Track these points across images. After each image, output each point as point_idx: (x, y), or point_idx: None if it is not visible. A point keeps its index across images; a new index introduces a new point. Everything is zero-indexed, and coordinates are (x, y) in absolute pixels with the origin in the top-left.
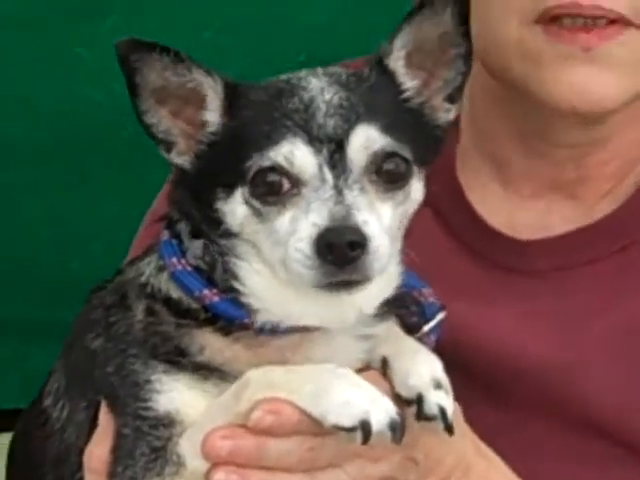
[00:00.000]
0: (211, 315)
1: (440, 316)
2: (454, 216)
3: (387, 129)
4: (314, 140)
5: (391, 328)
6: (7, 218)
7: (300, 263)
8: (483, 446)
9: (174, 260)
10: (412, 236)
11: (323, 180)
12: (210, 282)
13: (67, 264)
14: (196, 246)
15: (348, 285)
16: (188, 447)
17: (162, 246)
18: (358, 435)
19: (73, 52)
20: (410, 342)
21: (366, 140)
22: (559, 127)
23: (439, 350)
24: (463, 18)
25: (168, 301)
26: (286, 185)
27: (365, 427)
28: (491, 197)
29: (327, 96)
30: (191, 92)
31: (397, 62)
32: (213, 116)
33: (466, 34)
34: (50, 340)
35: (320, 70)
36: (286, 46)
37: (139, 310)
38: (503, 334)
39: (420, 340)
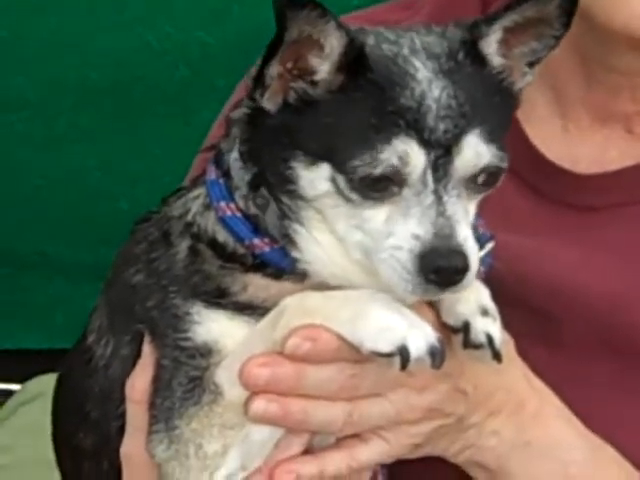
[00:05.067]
0: (259, 262)
1: (489, 246)
2: (511, 150)
3: (491, 136)
4: (424, 142)
5: None
6: (57, 160)
7: (396, 272)
8: (536, 381)
9: (222, 204)
10: None
11: (425, 184)
12: (257, 228)
13: (116, 205)
14: (246, 183)
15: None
16: (226, 376)
17: (209, 186)
18: (396, 361)
19: None
20: None
21: (475, 154)
22: (615, 51)
23: (494, 282)
24: (569, 12)
25: (214, 243)
26: (390, 184)
27: (403, 353)
28: (549, 130)
29: (436, 92)
30: (313, 40)
31: (491, 45)
32: (325, 66)
33: (567, 24)
34: (97, 281)
35: (419, 45)
36: None
37: (182, 248)
38: (560, 268)
39: None
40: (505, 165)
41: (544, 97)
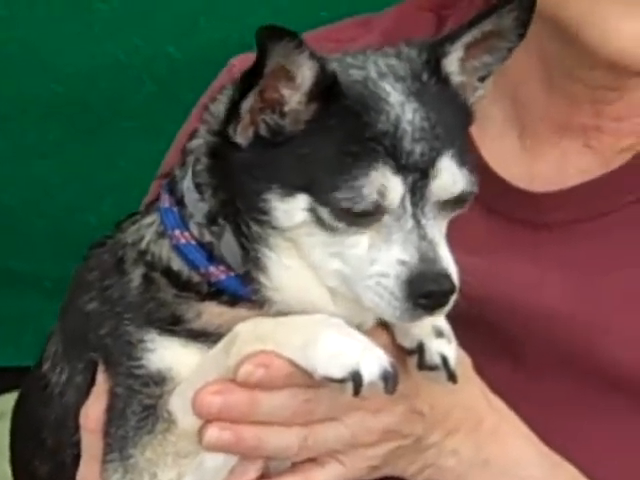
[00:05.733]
0: (215, 290)
1: None
2: None
3: (463, 157)
4: (402, 168)
5: None
6: (23, 174)
7: (383, 299)
8: (494, 399)
9: (177, 232)
10: None
11: (404, 208)
12: (212, 255)
13: (84, 220)
14: (202, 214)
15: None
16: (179, 404)
17: (163, 214)
18: (349, 386)
19: (93, 7)
20: None
21: (451, 181)
22: (586, 66)
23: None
24: (525, 24)
25: (168, 272)
26: (371, 213)
27: (356, 378)
28: (506, 148)
29: (409, 115)
30: (285, 71)
31: (453, 63)
32: (296, 97)
33: (522, 35)
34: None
35: (385, 67)
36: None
37: (136, 276)
38: (518, 287)
39: None
40: (476, 189)
41: (503, 113)
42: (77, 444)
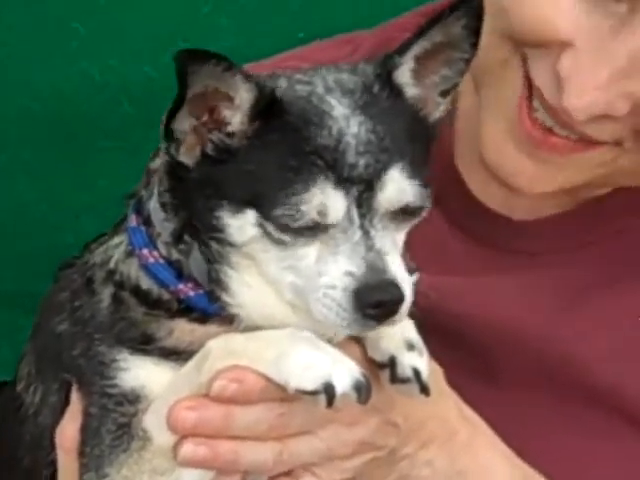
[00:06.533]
0: (184, 307)
1: (414, 278)
2: (453, 201)
3: (413, 169)
4: (344, 181)
5: None
6: (1, 195)
7: (332, 311)
8: (468, 411)
9: (145, 252)
10: None
11: (351, 220)
12: (181, 273)
13: (61, 238)
14: (168, 232)
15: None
16: (153, 421)
17: (131, 233)
18: (322, 398)
19: (69, 27)
20: None
21: (398, 192)
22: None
23: (427, 317)
24: (476, 32)
25: (137, 290)
26: (315, 227)
27: (328, 390)
28: (488, 182)
29: (354, 128)
30: (222, 93)
31: (405, 74)
32: (237, 117)
33: (475, 44)
34: None
35: (333, 82)
36: (285, 23)
37: (105, 296)
38: (500, 308)
39: None
40: (429, 202)
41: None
42: (53, 463)
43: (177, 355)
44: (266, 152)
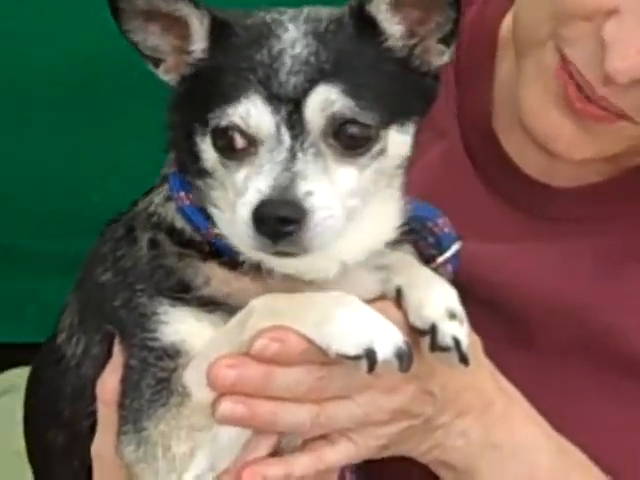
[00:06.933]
0: (215, 250)
1: (455, 246)
2: (491, 166)
3: (352, 90)
4: (273, 98)
5: (406, 258)
6: (28, 156)
7: (242, 228)
8: (505, 382)
9: (182, 194)
10: (450, 187)
11: (280, 141)
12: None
13: (88, 198)
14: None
15: (286, 255)
16: (193, 377)
17: (170, 178)
18: (363, 364)
19: None
20: (425, 272)
21: (323, 102)
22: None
23: (466, 285)
24: None
25: (171, 230)
26: (242, 143)
27: (370, 355)
28: (526, 147)
29: (297, 50)
30: (178, 20)
31: (380, 7)
32: (198, 45)
33: None
34: (67, 273)
35: (305, 13)
36: None
37: (144, 242)
38: (539, 276)
39: (436, 271)
40: (370, 122)
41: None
42: (93, 414)
43: (215, 306)
44: (216, 71)
